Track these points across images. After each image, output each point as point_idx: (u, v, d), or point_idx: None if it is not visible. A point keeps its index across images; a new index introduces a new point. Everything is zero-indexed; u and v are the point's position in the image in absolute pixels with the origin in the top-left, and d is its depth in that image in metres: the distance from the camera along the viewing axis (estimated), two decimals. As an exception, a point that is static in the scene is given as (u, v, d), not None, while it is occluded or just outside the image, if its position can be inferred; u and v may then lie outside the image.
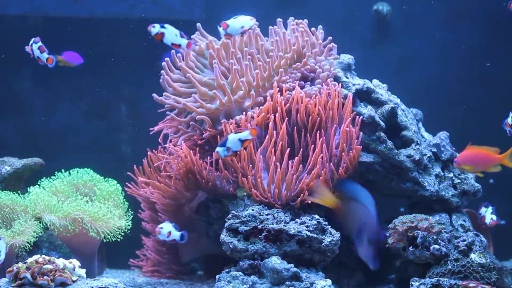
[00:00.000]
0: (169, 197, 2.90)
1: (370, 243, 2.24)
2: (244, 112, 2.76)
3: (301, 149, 2.70)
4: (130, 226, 2.77)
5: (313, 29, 3.00)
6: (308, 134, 2.73)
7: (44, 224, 2.67)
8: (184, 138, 2.86)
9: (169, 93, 2.93)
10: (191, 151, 2.75)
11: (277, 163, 2.59)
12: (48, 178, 2.83)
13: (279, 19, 3.05)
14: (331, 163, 2.62)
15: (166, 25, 2.52)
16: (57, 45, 3.70)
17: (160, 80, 2.96)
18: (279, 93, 2.76)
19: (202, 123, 2.85)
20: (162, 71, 2.95)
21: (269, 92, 2.81)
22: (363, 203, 2.28)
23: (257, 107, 2.77)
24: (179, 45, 2.54)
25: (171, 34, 2.52)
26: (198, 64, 2.99)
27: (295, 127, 2.72)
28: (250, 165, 2.63)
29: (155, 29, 2.51)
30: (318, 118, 2.71)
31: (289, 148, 2.65)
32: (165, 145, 2.98)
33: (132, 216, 2.84)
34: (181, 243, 2.76)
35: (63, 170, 2.88)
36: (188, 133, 2.88)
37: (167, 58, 2.97)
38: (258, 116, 2.70)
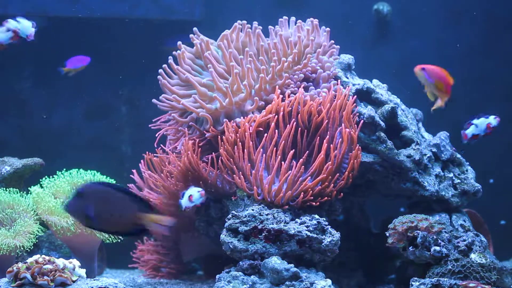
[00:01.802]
0: (170, 198, 2.91)
1: None
2: (245, 115, 2.77)
3: (306, 151, 2.69)
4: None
5: (327, 29, 3.00)
6: (310, 135, 2.73)
7: (44, 224, 2.67)
8: (185, 140, 2.85)
9: (168, 97, 2.94)
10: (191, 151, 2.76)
11: (277, 162, 2.59)
12: (48, 178, 2.83)
13: (284, 18, 3.05)
14: (334, 166, 2.62)
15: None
16: (57, 44, 3.72)
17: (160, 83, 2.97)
18: (281, 96, 2.76)
19: (202, 124, 2.85)
20: (159, 77, 2.95)
21: (271, 96, 2.81)
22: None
23: (257, 110, 2.78)
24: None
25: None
26: (195, 67, 3.00)
27: (297, 128, 2.72)
28: (249, 164, 2.63)
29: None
30: (321, 120, 2.71)
31: (293, 150, 2.65)
32: (163, 148, 2.98)
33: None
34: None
35: (63, 170, 2.88)
36: (189, 135, 2.89)
37: (164, 65, 2.97)
38: (261, 118, 2.70)
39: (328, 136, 2.69)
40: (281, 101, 2.74)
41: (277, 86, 2.79)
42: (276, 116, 2.72)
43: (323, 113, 2.71)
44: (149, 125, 3.05)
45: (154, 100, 2.93)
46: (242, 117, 2.77)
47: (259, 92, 2.81)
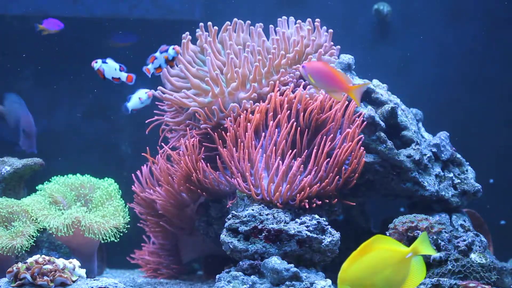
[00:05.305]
0: (172, 197, 2.91)
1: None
2: (239, 103, 2.78)
3: (306, 150, 2.69)
4: (129, 226, 2.77)
5: (329, 30, 3.00)
6: (310, 134, 2.73)
7: (42, 226, 2.67)
8: (185, 139, 2.86)
9: (168, 89, 2.95)
10: (192, 152, 2.76)
11: (279, 162, 2.59)
12: (46, 180, 2.83)
13: (283, 17, 3.06)
14: (335, 166, 2.62)
15: (108, 60, 2.65)
16: (57, 44, 3.72)
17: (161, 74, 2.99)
18: (279, 92, 2.76)
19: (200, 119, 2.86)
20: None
21: (265, 89, 2.81)
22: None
23: (252, 102, 2.78)
24: (119, 79, 2.67)
25: (111, 69, 2.65)
26: (197, 60, 3.01)
27: (297, 127, 2.71)
28: (249, 164, 2.63)
29: (97, 64, 2.65)
30: (322, 118, 2.71)
31: (293, 150, 2.65)
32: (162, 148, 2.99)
33: (129, 216, 2.84)
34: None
35: (61, 172, 2.88)
36: (185, 132, 2.90)
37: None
38: (262, 107, 2.71)
39: (331, 136, 2.68)
40: (279, 96, 2.74)
41: (276, 82, 2.79)
42: (276, 114, 2.71)
43: (325, 111, 2.70)
44: (154, 111, 3.06)
45: (152, 91, 2.94)
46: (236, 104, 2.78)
47: (253, 83, 2.80)
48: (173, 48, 2.65)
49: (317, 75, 2.44)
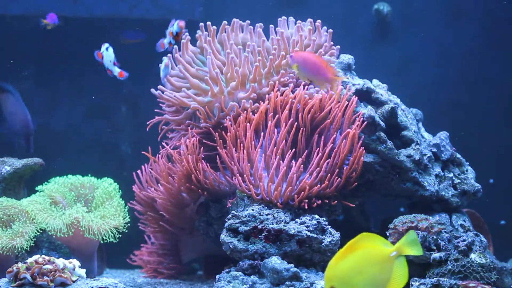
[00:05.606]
0: (172, 197, 2.91)
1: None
2: (239, 103, 2.78)
3: (306, 150, 2.69)
4: (129, 225, 2.77)
5: (329, 30, 3.00)
6: (309, 134, 2.73)
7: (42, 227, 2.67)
8: (185, 139, 2.86)
9: (168, 89, 2.95)
10: (193, 151, 2.76)
11: (279, 161, 2.59)
12: (46, 181, 2.84)
13: (283, 17, 3.06)
14: (335, 166, 2.62)
15: (109, 49, 2.67)
16: (57, 44, 3.72)
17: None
18: (279, 92, 2.76)
19: (200, 119, 2.86)
20: (160, 65, 2.97)
21: (264, 89, 2.81)
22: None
23: (251, 101, 2.78)
24: (111, 71, 2.68)
25: (109, 58, 2.67)
26: (197, 61, 3.01)
27: (297, 127, 2.72)
28: (248, 164, 2.63)
29: (103, 47, 2.68)
30: (322, 118, 2.71)
31: (292, 150, 2.65)
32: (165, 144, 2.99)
33: (129, 216, 2.84)
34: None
35: (61, 172, 2.88)
36: (186, 132, 2.90)
37: (169, 55, 2.98)
38: (263, 108, 2.71)
39: (331, 137, 2.68)
40: (279, 95, 2.74)
41: (276, 83, 2.79)
42: (276, 114, 2.71)
43: (325, 111, 2.71)
44: (155, 109, 3.06)
45: (152, 90, 2.94)
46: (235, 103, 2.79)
47: (253, 83, 2.80)
48: (177, 24, 2.67)
49: (303, 64, 2.47)
